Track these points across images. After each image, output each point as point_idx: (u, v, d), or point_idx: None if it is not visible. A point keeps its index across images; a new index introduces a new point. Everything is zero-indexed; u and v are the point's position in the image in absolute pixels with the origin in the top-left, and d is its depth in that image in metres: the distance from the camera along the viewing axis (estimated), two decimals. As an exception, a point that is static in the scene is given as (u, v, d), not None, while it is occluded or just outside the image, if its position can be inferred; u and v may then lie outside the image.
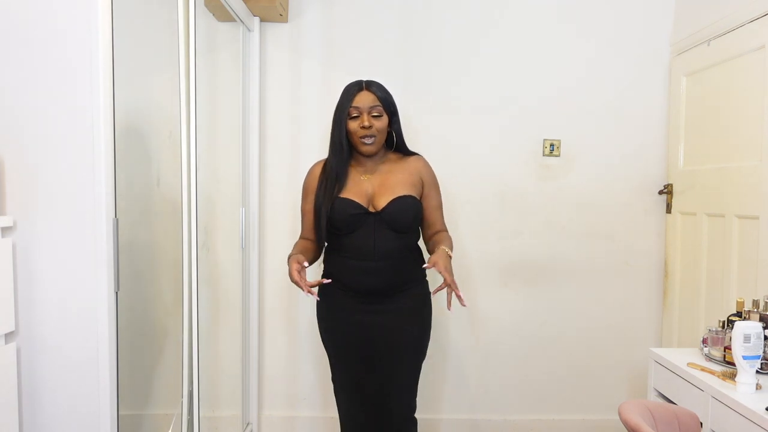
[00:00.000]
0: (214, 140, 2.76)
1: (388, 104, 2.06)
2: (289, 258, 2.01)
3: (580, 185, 2.97)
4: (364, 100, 2.02)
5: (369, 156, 2.08)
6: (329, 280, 2.00)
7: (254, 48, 2.81)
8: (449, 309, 1.90)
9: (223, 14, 2.68)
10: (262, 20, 2.84)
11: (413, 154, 2.17)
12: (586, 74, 2.94)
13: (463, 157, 2.94)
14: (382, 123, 2.05)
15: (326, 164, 2.11)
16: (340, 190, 2.03)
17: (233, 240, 2.80)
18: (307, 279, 1.92)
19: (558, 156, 2.95)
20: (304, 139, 2.93)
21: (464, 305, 1.88)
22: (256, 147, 2.84)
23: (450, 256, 1.99)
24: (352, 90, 2.05)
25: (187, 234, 1.96)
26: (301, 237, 2.16)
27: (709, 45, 2.61)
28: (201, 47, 2.03)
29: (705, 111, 2.66)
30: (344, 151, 2.06)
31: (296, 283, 1.90)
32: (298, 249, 2.08)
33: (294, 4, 2.90)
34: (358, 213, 2.01)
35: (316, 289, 1.96)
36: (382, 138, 2.07)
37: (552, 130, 2.95)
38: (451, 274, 1.91)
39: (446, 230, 2.18)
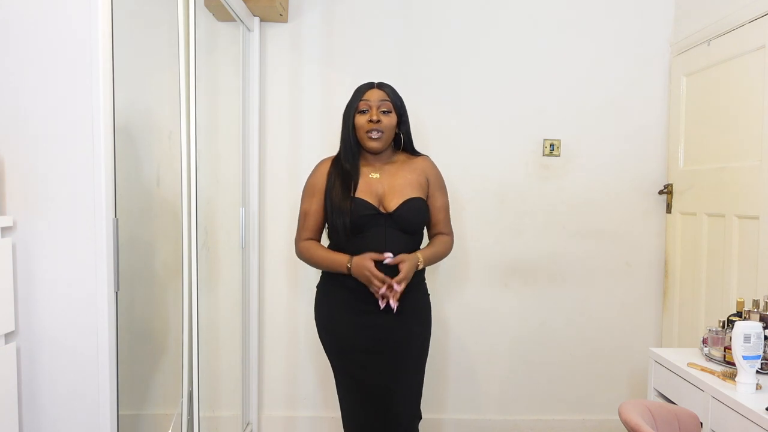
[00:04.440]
0: (214, 140, 2.76)
1: (398, 105, 2.08)
2: (350, 262, 1.97)
3: (580, 185, 2.97)
4: (374, 96, 2.05)
5: (375, 153, 2.07)
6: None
7: (254, 48, 2.81)
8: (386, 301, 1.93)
9: (223, 14, 2.68)
10: (262, 20, 2.84)
11: (419, 154, 2.18)
12: (586, 74, 2.94)
13: (464, 157, 2.93)
14: (390, 120, 2.05)
15: (334, 163, 2.10)
16: (355, 189, 2.02)
17: (233, 240, 2.80)
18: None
19: (558, 156, 2.95)
20: (304, 139, 2.93)
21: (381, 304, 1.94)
22: (256, 147, 2.84)
23: (418, 265, 2.01)
24: (363, 87, 2.08)
25: (187, 234, 1.96)
26: (305, 239, 2.11)
27: (709, 45, 2.61)
28: (201, 47, 2.03)
29: (705, 111, 2.66)
30: (354, 148, 2.06)
31: (377, 278, 1.92)
32: (326, 249, 2.07)
33: (294, 4, 2.90)
34: (371, 214, 2.00)
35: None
36: (389, 136, 2.06)
37: (552, 130, 2.95)
38: (402, 279, 1.94)
39: (449, 233, 2.17)
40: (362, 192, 2.02)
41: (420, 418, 2.15)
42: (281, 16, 2.84)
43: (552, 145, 2.95)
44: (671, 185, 2.90)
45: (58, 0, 1.58)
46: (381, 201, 2.03)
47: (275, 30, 2.91)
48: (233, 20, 2.66)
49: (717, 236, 2.53)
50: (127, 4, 1.87)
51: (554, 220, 2.98)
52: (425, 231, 2.18)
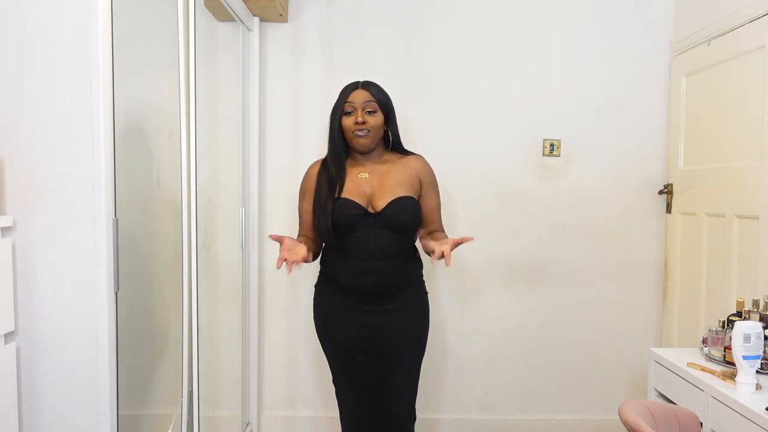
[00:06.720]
0: (214, 140, 2.76)
1: (383, 103, 2.07)
2: None
3: (580, 185, 2.97)
4: (359, 97, 2.04)
5: (364, 153, 2.08)
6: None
7: (254, 48, 2.81)
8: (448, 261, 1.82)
9: (223, 14, 2.68)
10: (262, 20, 2.83)
11: (411, 153, 2.17)
12: (586, 74, 2.94)
13: (463, 157, 2.93)
14: (377, 120, 2.05)
15: (324, 164, 2.11)
16: (340, 191, 2.03)
17: (233, 240, 2.80)
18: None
19: (558, 156, 2.95)
20: (304, 139, 2.93)
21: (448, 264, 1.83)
22: (256, 147, 2.84)
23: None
24: (348, 89, 2.07)
25: (187, 234, 1.96)
26: (300, 235, 2.16)
27: (709, 45, 2.61)
28: (201, 47, 2.03)
29: (705, 111, 2.66)
30: (340, 149, 2.07)
31: (279, 240, 1.88)
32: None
33: (294, 4, 2.90)
34: (358, 213, 2.00)
35: (293, 265, 1.83)
36: (376, 134, 2.06)
37: (552, 130, 2.95)
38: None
39: (443, 230, 2.18)
40: (350, 192, 2.03)
41: (414, 418, 2.16)
42: (281, 16, 2.84)
43: (552, 145, 2.95)
44: (671, 185, 2.90)
45: (58, 0, 1.58)
46: (370, 201, 2.03)
47: (275, 30, 2.91)
48: (233, 20, 2.66)
49: (717, 236, 2.53)
50: (127, 4, 1.87)
51: (554, 220, 2.97)
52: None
